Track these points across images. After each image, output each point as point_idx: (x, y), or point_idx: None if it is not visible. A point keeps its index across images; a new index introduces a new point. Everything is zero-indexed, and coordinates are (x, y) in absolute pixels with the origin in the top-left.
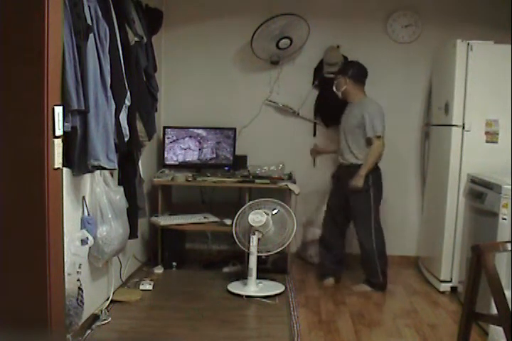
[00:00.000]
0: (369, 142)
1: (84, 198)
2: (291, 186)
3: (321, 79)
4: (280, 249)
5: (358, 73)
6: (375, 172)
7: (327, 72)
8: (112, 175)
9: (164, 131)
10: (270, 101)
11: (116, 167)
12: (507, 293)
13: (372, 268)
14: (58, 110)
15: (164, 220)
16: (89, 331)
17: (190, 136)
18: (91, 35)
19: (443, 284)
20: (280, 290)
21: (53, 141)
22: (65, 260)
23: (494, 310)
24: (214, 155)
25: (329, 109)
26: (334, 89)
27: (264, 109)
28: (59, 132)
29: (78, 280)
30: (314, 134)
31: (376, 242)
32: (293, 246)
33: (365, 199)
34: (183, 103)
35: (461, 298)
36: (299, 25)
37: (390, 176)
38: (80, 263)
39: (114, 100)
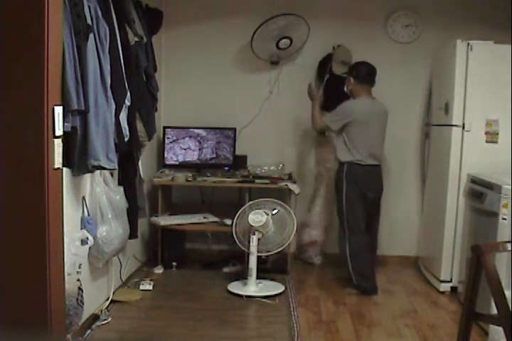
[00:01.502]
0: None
1: (84, 198)
2: (291, 186)
3: (330, 75)
4: (280, 249)
5: (362, 73)
6: (349, 170)
7: (336, 71)
8: (112, 175)
9: (164, 131)
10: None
11: (116, 167)
12: (507, 293)
13: (347, 269)
14: (58, 110)
15: (164, 220)
16: (89, 331)
17: (190, 136)
18: (91, 35)
19: (443, 284)
20: (280, 290)
21: (53, 141)
22: (65, 260)
23: (494, 310)
24: (214, 155)
25: (331, 108)
26: (345, 88)
27: (264, 109)
28: (59, 132)
29: (78, 280)
30: None
31: (349, 243)
32: (292, 246)
33: (338, 198)
34: (183, 103)
35: (461, 298)
36: (299, 25)
37: (390, 176)
38: (80, 263)
39: (114, 100)
